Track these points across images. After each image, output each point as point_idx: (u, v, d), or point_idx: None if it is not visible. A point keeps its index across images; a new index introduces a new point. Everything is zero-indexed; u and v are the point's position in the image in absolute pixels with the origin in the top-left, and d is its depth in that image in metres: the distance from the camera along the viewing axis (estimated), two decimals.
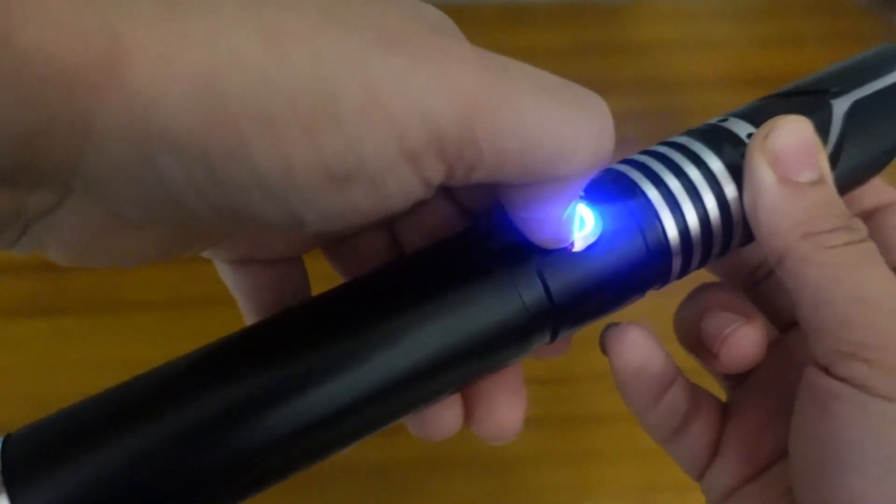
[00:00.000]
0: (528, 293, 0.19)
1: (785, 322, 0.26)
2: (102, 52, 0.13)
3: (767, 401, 0.25)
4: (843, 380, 0.19)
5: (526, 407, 0.23)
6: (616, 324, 0.23)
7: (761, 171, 0.20)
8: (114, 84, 0.13)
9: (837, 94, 0.22)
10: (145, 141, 0.14)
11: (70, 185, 0.15)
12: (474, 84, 0.16)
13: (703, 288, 0.25)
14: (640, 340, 0.22)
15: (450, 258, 0.20)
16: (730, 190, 0.21)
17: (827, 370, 0.19)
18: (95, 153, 0.14)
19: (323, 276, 0.24)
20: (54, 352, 0.47)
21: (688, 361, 0.25)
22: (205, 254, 0.22)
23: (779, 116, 0.20)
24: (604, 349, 0.23)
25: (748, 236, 0.21)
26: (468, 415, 0.22)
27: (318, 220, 0.17)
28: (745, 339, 0.23)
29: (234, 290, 0.24)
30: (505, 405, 0.22)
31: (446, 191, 0.22)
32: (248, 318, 0.24)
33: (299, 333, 0.18)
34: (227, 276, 0.23)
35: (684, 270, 0.22)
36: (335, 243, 0.23)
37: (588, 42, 0.62)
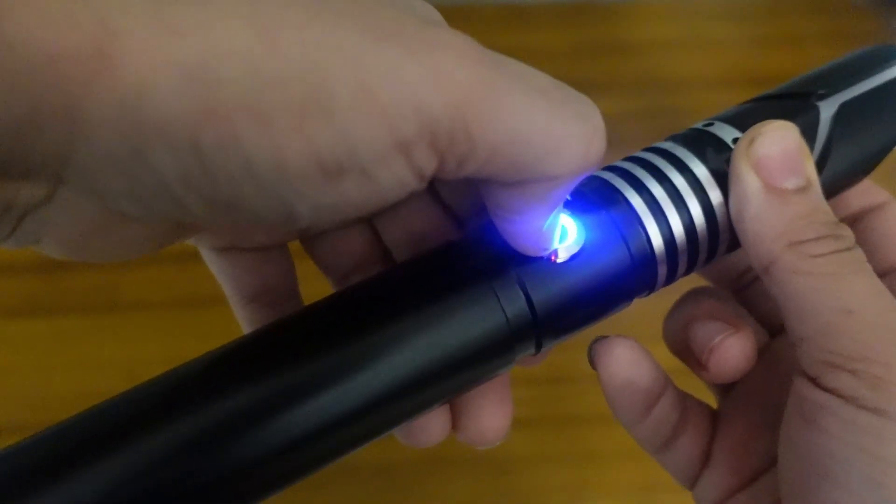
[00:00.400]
0: (510, 306, 0.19)
1: (775, 326, 0.26)
2: (91, 42, 0.13)
3: (756, 408, 0.24)
4: (830, 391, 0.19)
5: (512, 413, 0.23)
6: (604, 337, 0.22)
7: (746, 178, 0.20)
8: (103, 75, 0.13)
9: (824, 97, 0.22)
10: (135, 132, 0.14)
11: (61, 176, 0.15)
12: (468, 76, 0.16)
13: (692, 294, 0.25)
14: (629, 354, 0.22)
15: (432, 271, 0.20)
16: (715, 196, 0.20)
17: (814, 381, 0.19)
18: (85, 144, 0.14)
19: (315, 277, 0.24)
20: (54, 352, 0.47)
21: (678, 361, 0.25)
22: (189, 241, 0.22)
23: (764, 122, 0.20)
24: (592, 363, 0.23)
25: (735, 242, 0.21)
26: (454, 422, 0.22)
27: (310, 214, 0.17)
28: (732, 350, 0.22)
29: (218, 276, 0.24)
30: (490, 413, 0.22)
31: (431, 190, 0.22)
32: (233, 302, 0.24)
33: (280, 351, 0.18)
34: (211, 262, 0.23)
35: (670, 278, 0.21)
36: (316, 236, 0.23)
37: (588, 42, 0.62)
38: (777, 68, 0.59)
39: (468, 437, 0.22)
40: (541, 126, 0.16)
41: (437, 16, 0.18)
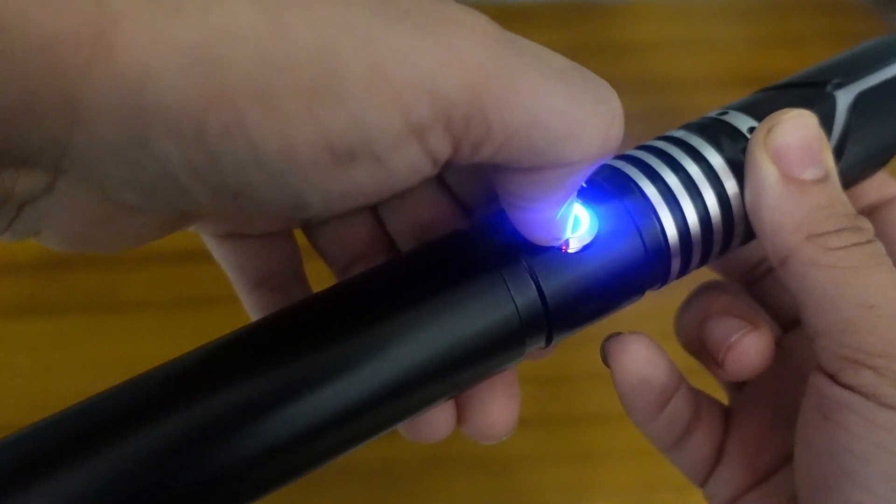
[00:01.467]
0: (521, 297, 0.18)
1: (788, 320, 0.26)
2: (89, 24, 0.13)
3: (770, 405, 0.24)
4: (850, 388, 0.18)
5: (519, 407, 0.22)
6: (617, 334, 0.22)
7: (764, 168, 0.19)
8: (102, 58, 0.13)
9: (841, 86, 0.21)
10: (137, 118, 0.13)
11: (60, 166, 0.14)
12: (483, 56, 0.15)
13: (705, 289, 0.25)
14: (643, 352, 0.22)
15: (440, 260, 0.19)
16: (730, 186, 0.20)
17: (833, 377, 0.19)
18: (85, 132, 0.14)
19: (317, 275, 0.24)
20: (54, 352, 0.47)
21: (690, 360, 0.25)
22: (191, 228, 0.21)
23: (782, 110, 0.20)
24: (605, 360, 0.22)
25: (750, 234, 0.21)
26: (460, 417, 0.22)
27: (320, 203, 0.16)
28: (750, 349, 0.22)
29: (222, 262, 0.23)
30: (498, 407, 0.22)
31: (439, 177, 0.21)
32: (238, 288, 0.23)
33: (279, 344, 0.17)
34: (214, 249, 0.23)
35: (683, 270, 0.21)
36: (319, 224, 0.22)
37: (588, 42, 0.62)
38: (777, 68, 0.59)
39: (474, 432, 0.22)
40: (559, 109, 0.16)
41: None
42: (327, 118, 0.14)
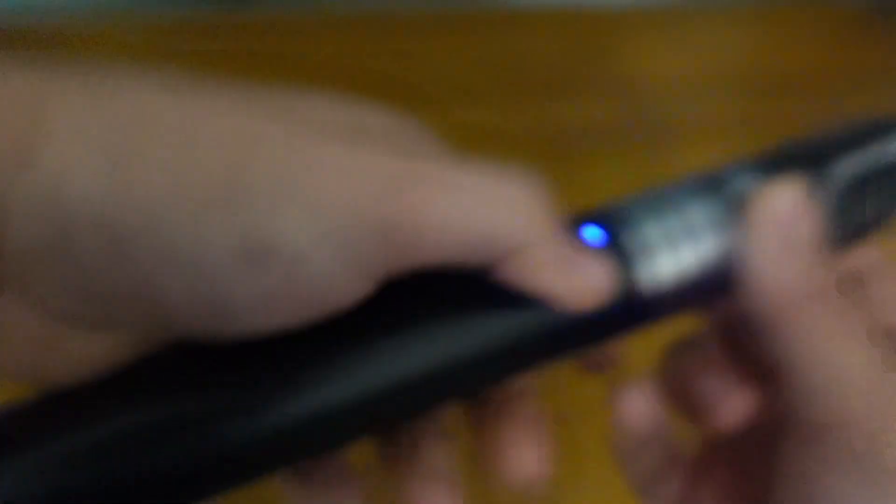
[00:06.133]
0: None
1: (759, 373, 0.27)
2: (20, 140, 0.14)
3: (741, 455, 0.25)
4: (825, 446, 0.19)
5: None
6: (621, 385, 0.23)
7: (758, 230, 0.20)
8: (28, 168, 0.14)
9: (830, 164, 0.22)
10: (60, 214, 0.15)
11: None
12: (391, 162, 0.16)
13: (684, 346, 0.26)
14: (644, 405, 0.23)
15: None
16: (720, 242, 0.21)
17: (808, 436, 0.20)
18: (14, 234, 0.15)
19: None
20: None
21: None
22: None
23: (777, 181, 0.21)
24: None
25: (730, 289, 0.21)
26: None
27: (243, 312, 0.16)
28: (738, 405, 0.24)
29: None
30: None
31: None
32: None
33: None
34: None
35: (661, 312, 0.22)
36: None
37: (586, 46, 0.62)
38: (776, 72, 0.60)
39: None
40: (474, 193, 0.17)
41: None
42: (239, 216, 0.15)
